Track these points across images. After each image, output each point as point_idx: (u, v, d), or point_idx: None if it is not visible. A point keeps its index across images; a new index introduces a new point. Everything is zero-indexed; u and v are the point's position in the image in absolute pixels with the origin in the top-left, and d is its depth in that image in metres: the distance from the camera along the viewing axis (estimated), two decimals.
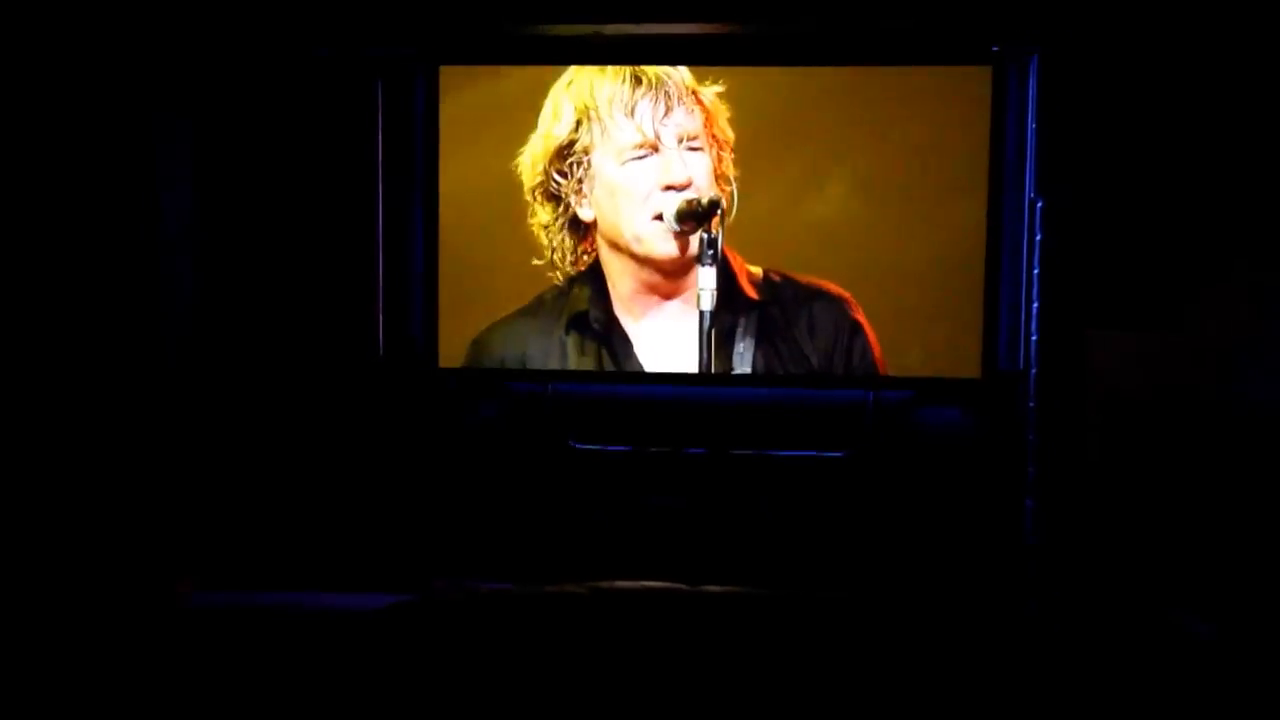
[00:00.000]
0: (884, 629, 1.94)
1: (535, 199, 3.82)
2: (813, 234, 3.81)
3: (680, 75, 3.74)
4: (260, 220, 3.83)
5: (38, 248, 3.37)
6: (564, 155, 3.78)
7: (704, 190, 3.70)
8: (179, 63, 3.64)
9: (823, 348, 3.79)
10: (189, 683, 2.34)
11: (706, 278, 3.67)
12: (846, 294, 3.77)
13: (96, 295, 3.45)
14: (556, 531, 3.84)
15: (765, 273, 3.80)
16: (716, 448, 3.84)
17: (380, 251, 3.88)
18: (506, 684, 1.82)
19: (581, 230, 3.82)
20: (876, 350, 3.77)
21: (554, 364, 3.87)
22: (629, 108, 3.73)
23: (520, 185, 3.83)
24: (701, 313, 3.70)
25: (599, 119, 3.75)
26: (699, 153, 3.72)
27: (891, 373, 3.79)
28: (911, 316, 3.76)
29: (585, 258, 3.84)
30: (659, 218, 3.71)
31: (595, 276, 3.84)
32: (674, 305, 3.82)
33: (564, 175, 3.79)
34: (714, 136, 3.74)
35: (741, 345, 3.78)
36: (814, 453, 3.82)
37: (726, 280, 3.71)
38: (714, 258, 3.65)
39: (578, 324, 3.85)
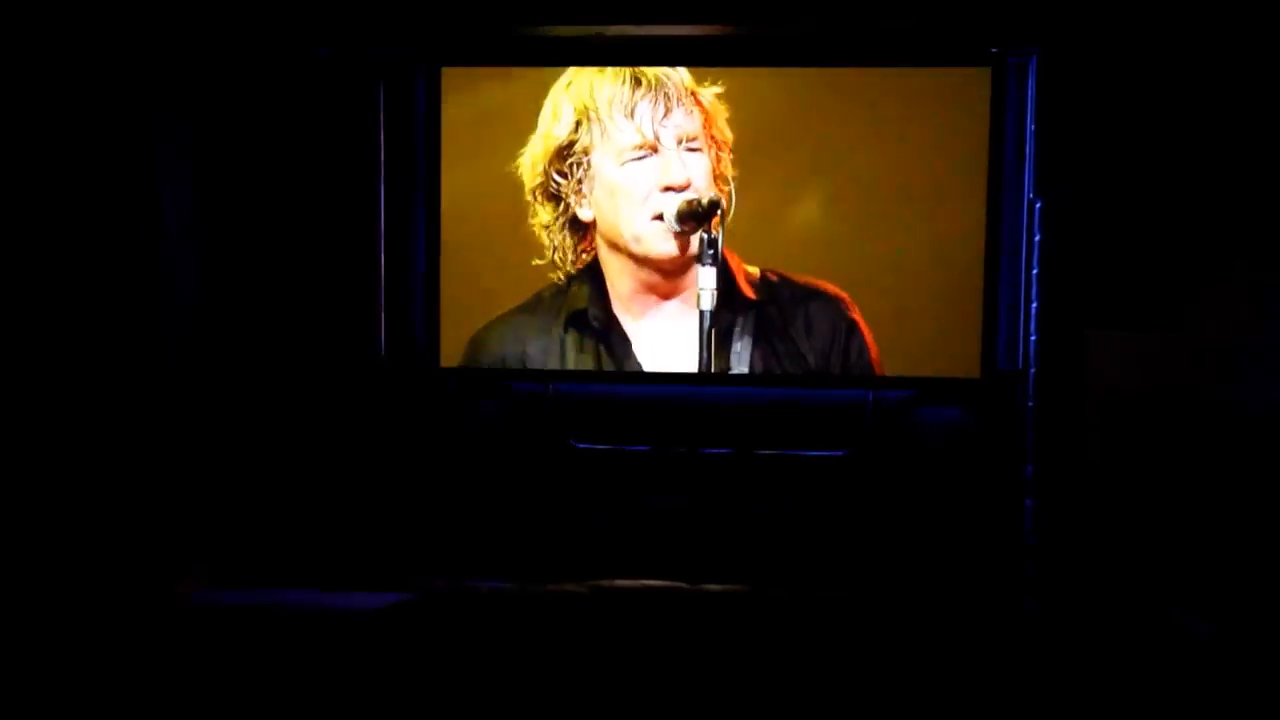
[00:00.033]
0: (882, 628, 1.95)
1: (536, 199, 3.84)
2: (813, 234, 3.82)
3: (679, 76, 3.75)
4: (262, 220, 3.84)
5: (41, 246, 3.38)
6: (564, 156, 3.79)
7: (703, 191, 3.71)
8: (181, 63, 3.65)
9: (820, 347, 3.80)
10: (190, 681, 2.35)
11: (707, 277, 3.68)
12: (843, 294, 3.78)
13: (98, 293, 3.46)
14: (557, 530, 3.84)
15: (762, 272, 3.81)
16: (718, 447, 3.85)
17: (382, 251, 3.89)
18: (507, 681, 1.83)
19: (581, 230, 3.83)
20: (873, 349, 3.78)
21: (553, 362, 3.88)
22: (629, 109, 3.74)
23: (521, 186, 3.84)
24: (702, 312, 3.71)
25: (599, 120, 3.76)
26: (698, 153, 3.73)
27: (891, 372, 3.79)
28: (911, 316, 3.77)
29: (584, 256, 3.85)
30: (659, 217, 3.72)
31: (594, 275, 3.85)
32: (672, 305, 3.83)
33: (564, 176, 3.80)
34: (713, 137, 3.75)
35: (739, 345, 3.80)
36: (815, 452, 3.83)
37: (725, 280, 3.72)
38: (714, 258, 3.66)
39: (577, 322, 3.87)
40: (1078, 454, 3.56)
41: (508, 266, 3.87)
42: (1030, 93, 3.65)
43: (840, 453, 3.82)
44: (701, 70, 3.75)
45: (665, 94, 3.73)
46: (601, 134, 3.76)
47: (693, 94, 3.75)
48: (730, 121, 3.75)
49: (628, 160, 3.74)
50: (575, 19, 3.68)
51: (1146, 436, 3.50)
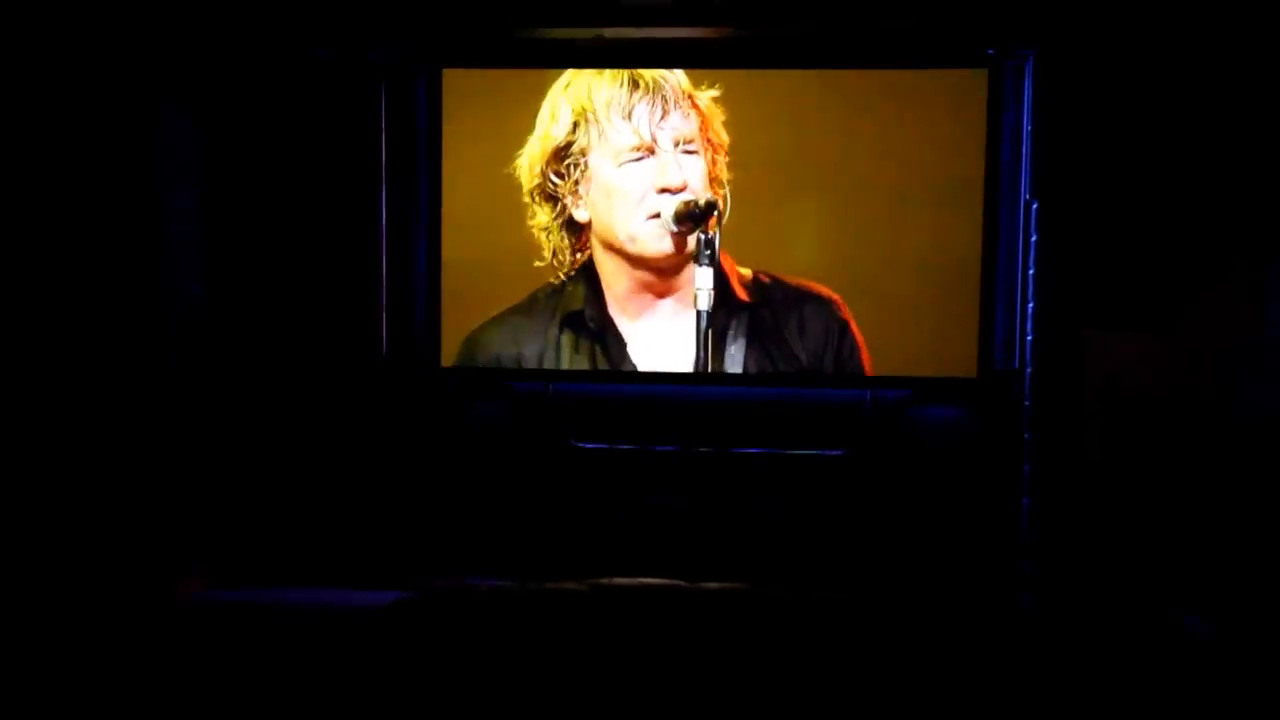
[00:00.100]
0: (880, 626, 1.96)
1: (534, 200, 3.85)
2: (811, 236, 3.84)
3: (677, 79, 3.76)
4: (264, 220, 3.84)
5: (43, 245, 3.38)
6: (561, 156, 3.80)
7: (699, 193, 3.73)
8: (184, 64, 3.65)
9: (813, 349, 3.81)
10: (191, 680, 2.36)
11: (704, 278, 3.69)
12: (835, 295, 3.80)
13: (99, 293, 3.46)
14: (557, 529, 3.85)
15: (755, 274, 3.82)
16: (717, 446, 3.86)
17: (383, 251, 3.90)
18: (508, 679, 1.85)
19: (577, 231, 3.85)
20: (864, 351, 3.80)
21: (548, 363, 3.89)
22: (626, 111, 3.75)
23: (520, 187, 3.85)
24: (699, 312, 3.72)
25: (596, 121, 3.78)
26: (694, 156, 3.74)
27: (889, 372, 3.81)
28: (909, 317, 3.79)
29: (579, 257, 3.86)
30: (656, 216, 3.73)
31: (589, 276, 3.86)
32: (667, 305, 3.84)
33: (560, 176, 3.81)
34: (709, 140, 3.76)
35: (733, 349, 3.81)
36: (813, 451, 3.84)
37: (719, 283, 3.73)
38: (711, 258, 3.68)
39: (572, 323, 3.88)
40: (1074, 453, 3.58)
41: (509, 267, 3.88)
42: (1027, 94, 3.66)
43: (838, 452, 3.84)
44: (699, 74, 3.77)
45: (663, 96, 3.74)
46: (599, 135, 3.78)
47: (690, 97, 3.76)
48: (726, 125, 3.77)
49: (625, 161, 3.75)
50: (576, 22, 3.70)
51: (1142, 436, 3.51)
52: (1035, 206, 3.63)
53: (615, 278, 3.84)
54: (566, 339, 3.88)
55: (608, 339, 3.87)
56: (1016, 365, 3.73)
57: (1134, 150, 3.51)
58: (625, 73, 3.77)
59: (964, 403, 3.81)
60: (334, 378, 3.87)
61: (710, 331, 3.73)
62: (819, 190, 3.81)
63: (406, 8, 3.73)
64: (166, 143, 3.60)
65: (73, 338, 3.42)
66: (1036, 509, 3.62)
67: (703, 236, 3.68)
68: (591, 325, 3.87)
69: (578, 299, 3.87)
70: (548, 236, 3.85)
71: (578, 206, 3.82)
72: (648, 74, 3.76)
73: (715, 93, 3.76)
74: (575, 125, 3.79)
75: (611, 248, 3.81)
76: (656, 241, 3.75)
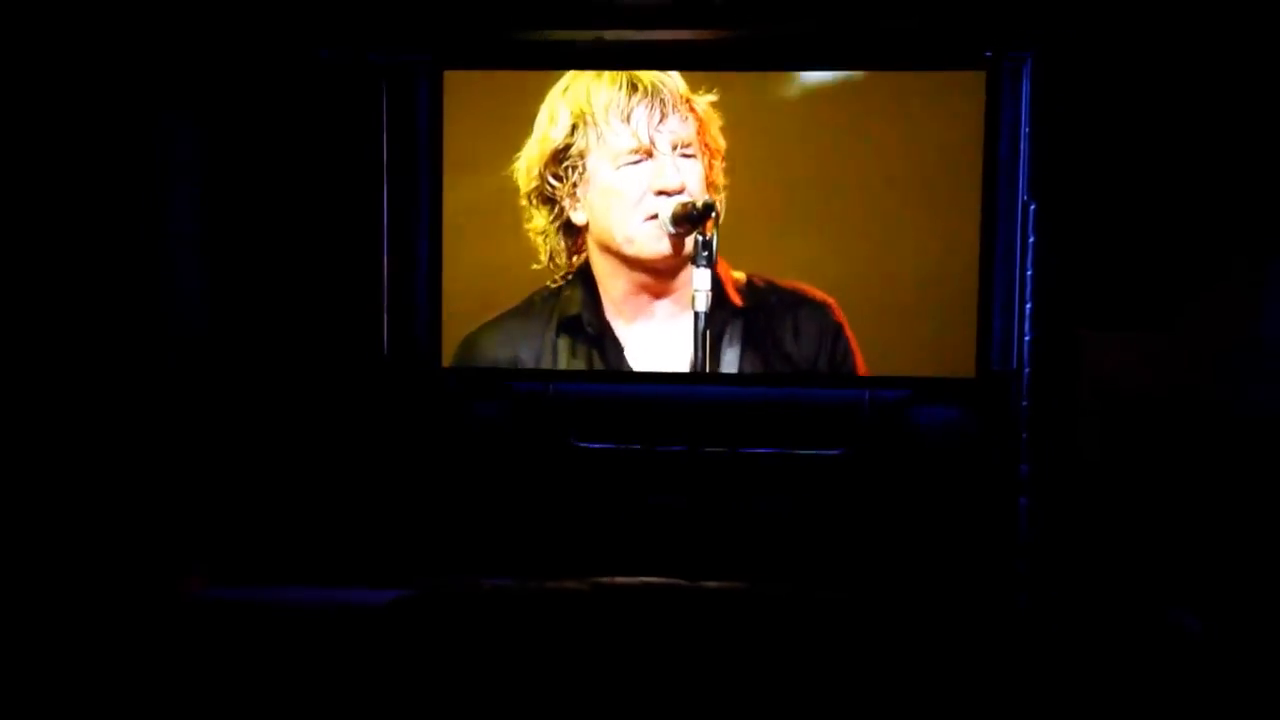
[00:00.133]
0: (879, 626, 1.96)
1: (531, 203, 3.86)
2: (808, 237, 3.84)
3: (675, 83, 3.77)
4: (265, 220, 3.85)
5: (45, 245, 3.39)
6: (559, 159, 3.81)
7: (696, 195, 3.73)
8: (185, 64, 3.66)
9: (807, 353, 3.81)
10: (192, 678, 2.36)
11: (702, 279, 3.70)
12: (829, 298, 3.81)
13: (100, 293, 3.47)
14: (557, 528, 3.86)
15: (749, 278, 3.83)
16: (717, 446, 3.87)
17: (385, 252, 3.91)
18: (508, 678, 1.85)
19: (574, 234, 3.85)
20: (858, 354, 3.81)
21: (545, 367, 3.90)
22: (625, 114, 3.76)
23: (518, 189, 3.86)
24: (696, 314, 3.73)
25: (595, 124, 3.78)
26: (692, 159, 3.75)
27: (887, 372, 3.82)
28: (907, 317, 3.79)
29: (575, 260, 3.87)
30: (654, 217, 3.74)
31: (585, 279, 3.87)
32: (664, 306, 3.85)
33: (559, 179, 3.82)
34: (706, 145, 3.77)
35: (729, 352, 3.82)
36: (812, 451, 3.85)
37: (716, 285, 3.74)
38: (709, 259, 3.69)
39: (569, 328, 3.88)
40: (1071, 453, 3.59)
41: (509, 268, 3.89)
42: (1024, 95, 3.67)
43: (837, 452, 3.85)
44: (696, 78, 3.77)
45: (661, 100, 3.75)
46: (598, 138, 3.79)
47: (687, 101, 3.77)
48: (724, 129, 3.78)
49: (623, 164, 3.76)
50: (577, 24, 3.71)
51: (1140, 435, 3.52)
52: (1033, 207, 3.64)
53: (612, 280, 3.85)
54: (564, 343, 3.89)
55: (605, 343, 3.88)
56: (1015, 365, 3.74)
57: (1132, 150, 3.51)
58: (624, 76, 3.78)
59: (962, 403, 3.82)
60: (335, 377, 3.88)
61: (708, 333, 3.74)
62: (817, 191, 3.82)
63: (408, 9, 3.74)
64: (167, 143, 3.61)
65: (73, 338, 3.43)
66: (1034, 508, 3.63)
67: (700, 238, 3.69)
68: (589, 330, 3.87)
69: (575, 303, 3.87)
70: (544, 240, 3.86)
71: (575, 209, 3.83)
72: (646, 78, 3.77)
73: (713, 97, 3.77)
74: (574, 128, 3.80)
75: (609, 250, 3.82)
76: (654, 243, 3.76)
